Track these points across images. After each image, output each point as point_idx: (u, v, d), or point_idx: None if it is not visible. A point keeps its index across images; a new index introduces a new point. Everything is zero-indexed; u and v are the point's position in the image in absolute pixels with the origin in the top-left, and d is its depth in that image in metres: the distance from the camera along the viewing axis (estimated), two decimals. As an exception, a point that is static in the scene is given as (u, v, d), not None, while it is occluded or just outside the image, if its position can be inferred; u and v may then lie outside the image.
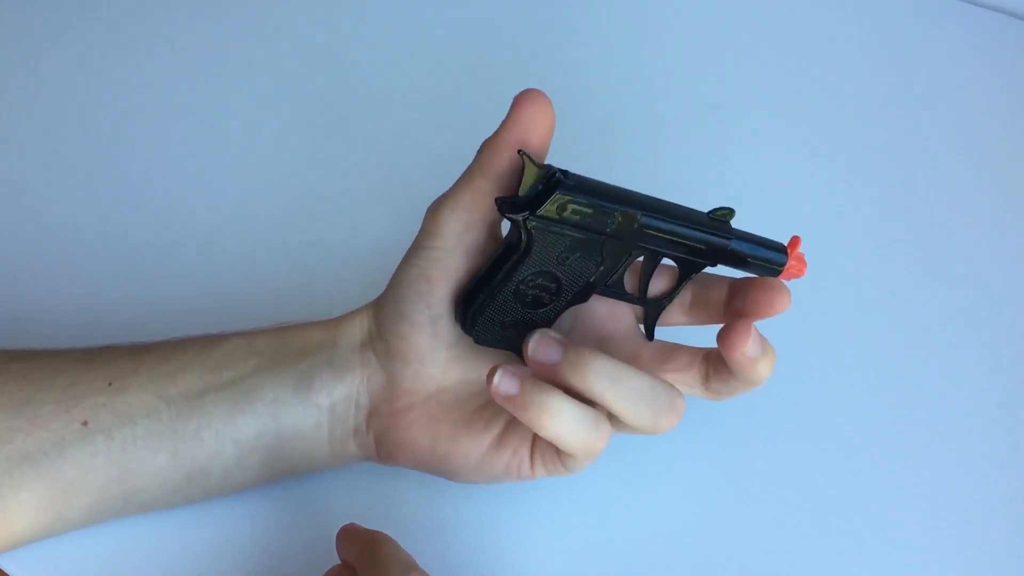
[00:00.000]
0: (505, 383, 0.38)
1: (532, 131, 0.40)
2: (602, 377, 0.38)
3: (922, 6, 0.72)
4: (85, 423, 0.41)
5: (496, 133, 0.41)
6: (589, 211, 0.39)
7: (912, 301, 0.56)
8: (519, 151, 0.39)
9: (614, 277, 0.42)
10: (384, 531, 0.41)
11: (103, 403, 0.41)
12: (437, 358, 0.43)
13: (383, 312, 0.43)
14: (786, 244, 0.43)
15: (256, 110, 0.62)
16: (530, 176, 0.39)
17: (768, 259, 0.43)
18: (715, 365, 0.42)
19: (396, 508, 0.46)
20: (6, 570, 0.43)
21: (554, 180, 0.39)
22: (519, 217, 0.39)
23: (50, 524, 0.41)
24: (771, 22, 0.70)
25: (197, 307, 0.52)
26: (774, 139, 0.63)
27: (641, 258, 0.42)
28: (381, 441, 0.44)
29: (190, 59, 0.65)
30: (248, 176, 0.59)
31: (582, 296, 0.42)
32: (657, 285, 0.44)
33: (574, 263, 0.41)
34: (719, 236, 0.42)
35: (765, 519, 0.47)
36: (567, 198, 0.39)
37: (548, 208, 0.39)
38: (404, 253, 0.43)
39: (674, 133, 0.63)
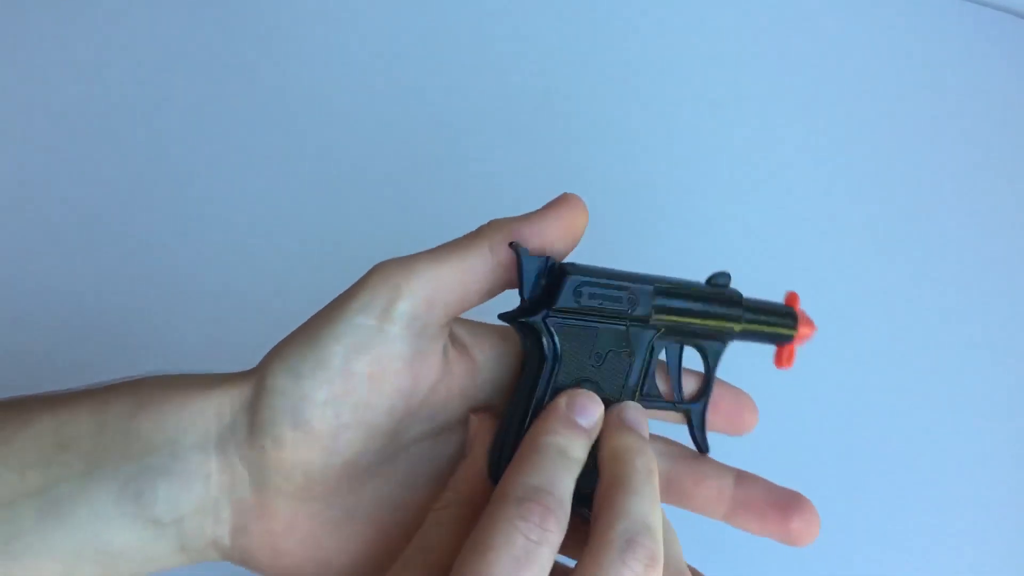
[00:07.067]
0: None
1: (562, 236, 0.34)
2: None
3: (923, 5, 0.72)
4: None
5: (519, 219, 0.33)
6: (606, 292, 0.34)
7: (913, 298, 0.56)
8: (511, 243, 0.33)
9: (646, 380, 0.36)
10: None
11: None
12: (325, 478, 0.32)
13: (263, 402, 0.32)
14: (784, 302, 0.40)
15: (261, 113, 0.62)
16: (530, 271, 0.33)
17: (778, 327, 0.39)
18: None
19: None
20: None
21: (557, 268, 0.33)
22: (538, 318, 0.33)
23: None
24: (772, 21, 0.70)
25: (196, 308, 0.52)
26: (775, 138, 0.63)
27: (663, 354, 0.37)
28: (250, 559, 0.34)
29: (195, 63, 0.64)
30: (252, 178, 0.59)
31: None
32: (688, 387, 0.39)
33: (609, 364, 0.34)
34: (731, 304, 0.38)
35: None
36: (581, 280, 0.33)
37: (565, 298, 0.33)
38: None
39: (674, 133, 0.63)
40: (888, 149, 0.63)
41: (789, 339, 0.39)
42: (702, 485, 0.37)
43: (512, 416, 0.33)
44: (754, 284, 0.43)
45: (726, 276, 0.38)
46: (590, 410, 0.32)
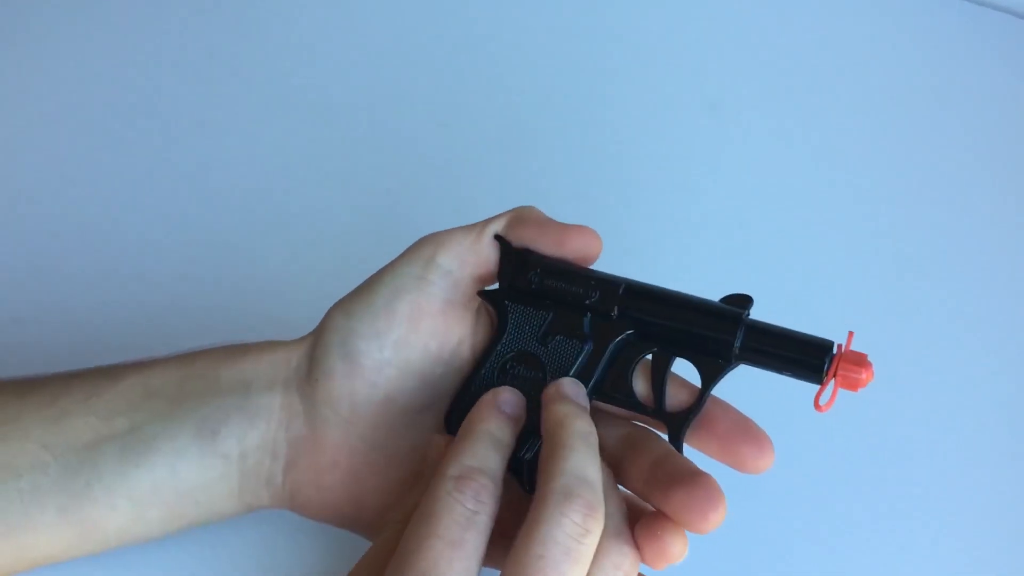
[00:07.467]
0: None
1: (570, 250, 0.38)
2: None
3: (923, 5, 0.72)
4: None
5: (540, 221, 0.38)
6: (564, 278, 0.38)
7: (917, 300, 0.56)
8: (496, 235, 0.38)
9: (615, 378, 0.37)
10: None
11: None
12: (367, 412, 0.38)
13: (320, 340, 0.38)
14: (837, 342, 0.35)
15: (259, 114, 0.62)
16: (505, 259, 0.38)
17: (798, 359, 0.35)
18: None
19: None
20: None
21: (527, 256, 0.38)
22: (491, 289, 0.38)
23: None
24: (771, 21, 0.70)
25: (193, 308, 0.52)
26: (774, 139, 0.63)
27: (650, 356, 0.37)
28: (297, 496, 0.39)
29: (192, 63, 0.65)
30: (248, 179, 0.59)
31: None
32: (679, 397, 0.37)
33: (557, 345, 0.37)
34: (723, 318, 0.36)
35: (767, 521, 0.47)
36: (539, 266, 0.38)
37: (519, 278, 0.38)
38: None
39: (674, 133, 0.63)
40: (887, 149, 0.63)
41: (815, 376, 0.35)
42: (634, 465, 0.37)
43: (467, 379, 0.38)
44: (749, 288, 0.43)
45: (741, 297, 0.37)
46: (513, 401, 0.36)
